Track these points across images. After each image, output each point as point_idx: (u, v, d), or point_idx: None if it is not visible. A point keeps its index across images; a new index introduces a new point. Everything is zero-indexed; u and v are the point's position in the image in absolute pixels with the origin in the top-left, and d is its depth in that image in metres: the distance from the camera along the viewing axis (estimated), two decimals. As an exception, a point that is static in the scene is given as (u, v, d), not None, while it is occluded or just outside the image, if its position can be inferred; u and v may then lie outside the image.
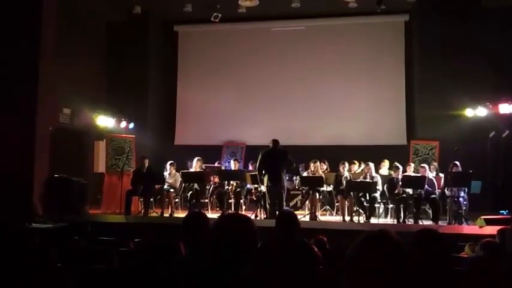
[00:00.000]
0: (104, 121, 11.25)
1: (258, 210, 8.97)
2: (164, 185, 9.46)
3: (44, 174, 7.97)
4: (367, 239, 1.49)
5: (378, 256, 1.44)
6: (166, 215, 9.26)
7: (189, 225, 2.74)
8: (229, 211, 9.14)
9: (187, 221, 2.79)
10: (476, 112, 10.31)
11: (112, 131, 11.32)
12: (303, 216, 8.62)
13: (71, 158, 10.22)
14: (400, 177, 8.78)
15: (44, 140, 8.02)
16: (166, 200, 9.47)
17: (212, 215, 9.00)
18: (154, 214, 9.22)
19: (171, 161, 9.84)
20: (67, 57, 9.74)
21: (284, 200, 8.49)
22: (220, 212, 9.27)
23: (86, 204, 9.03)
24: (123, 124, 11.50)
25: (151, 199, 9.38)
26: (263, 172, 8.42)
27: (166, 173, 9.68)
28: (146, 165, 9.48)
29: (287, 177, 8.92)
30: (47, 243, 3.78)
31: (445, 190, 8.72)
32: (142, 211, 9.20)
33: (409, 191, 8.64)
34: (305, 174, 9.52)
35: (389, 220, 9.07)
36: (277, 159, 8.38)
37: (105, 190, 10.37)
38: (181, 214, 9.13)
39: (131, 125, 11.63)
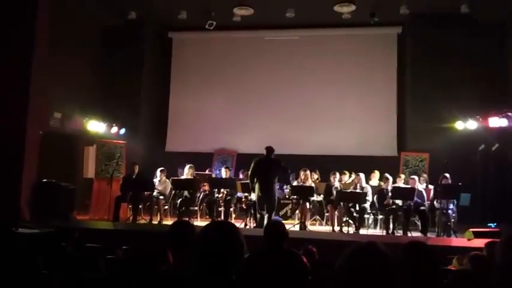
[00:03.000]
0: (95, 126, 11.12)
1: (248, 218, 8.95)
2: (154, 191, 9.40)
3: (32, 179, 7.89)
4: (356, 251, 1.48)
5: (366, 269, 1.43)
6: (155, 222, 9.19)
7: (175, 233, 2.72)
8: (219, 219, 9.10)
9: (172, 230, 2.78)
10: (467, 125, 10.40)
11: (103, 136, 11.22)
12: (292, 225, 8.61)
13: (60, 162, 10.09)
14: (390, 188, 8.81)
15: (33, 144, 7.95)
16: (156, 207, 9.39)
17: (202, 222, 8.96)
18: (143, 221, 9.15)
19: (162, 168, 9.79)
20: (59, 60, 9.66)
21: (274, 209, 8.46)
22: (210, 220, 9.24)
23: (73, 210, 8.95)
24: (114, 129, 11.39)
25: (140, 206, 9.30)
26: (255, 180, 8.41)
27: (156, 180, 9.63)
28: (136, 171, 9.44)
29: (278, 187, 8.90)
30: (33, 248, 3.73)
31: (435, 202, 8.76)
32: (131, 218, 9.13)
33: (399, 202, 8.65)
34: (295, 183, 9.50)
35: (378, 231, 9.10)
36: (270, 168, 8.35)
37: (93, 196, 10.28)
38: (170, 221, 9.05)
39: (122, 131, 11.54)
